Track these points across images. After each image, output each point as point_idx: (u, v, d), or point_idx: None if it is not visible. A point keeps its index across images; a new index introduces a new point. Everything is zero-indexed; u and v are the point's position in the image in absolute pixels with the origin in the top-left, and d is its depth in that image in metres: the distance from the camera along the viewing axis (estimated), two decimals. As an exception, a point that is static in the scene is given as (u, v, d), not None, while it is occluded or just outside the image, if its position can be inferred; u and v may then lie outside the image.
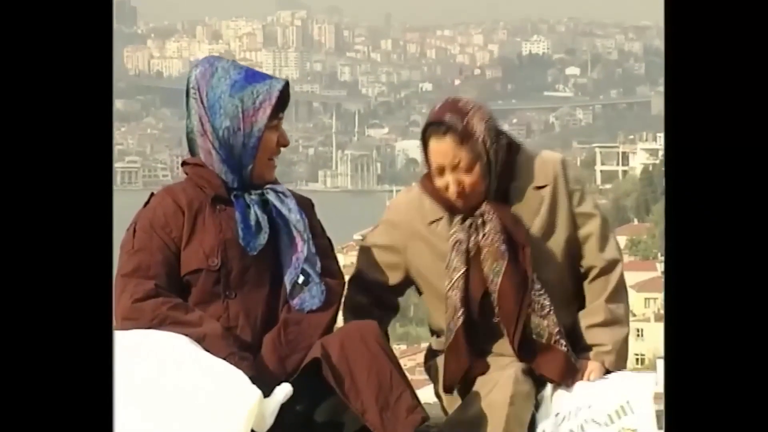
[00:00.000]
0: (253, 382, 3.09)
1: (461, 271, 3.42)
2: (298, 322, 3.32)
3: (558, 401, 3.40)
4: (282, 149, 3.48)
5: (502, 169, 3.43)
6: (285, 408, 3.13)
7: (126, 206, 3.52)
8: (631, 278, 62.88)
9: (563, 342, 3.41)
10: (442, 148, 3.40)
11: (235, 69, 3.39)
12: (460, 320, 3.42)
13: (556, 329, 3.40)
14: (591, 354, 3.45)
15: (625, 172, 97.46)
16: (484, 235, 3.41)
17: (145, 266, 3.31)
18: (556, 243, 3.47)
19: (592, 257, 3.49)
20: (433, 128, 3.42)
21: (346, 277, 3.55)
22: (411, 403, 3.16)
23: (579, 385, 3.41)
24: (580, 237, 3.49)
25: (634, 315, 61.89)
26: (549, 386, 3.42)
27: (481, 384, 3.43)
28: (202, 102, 3.37)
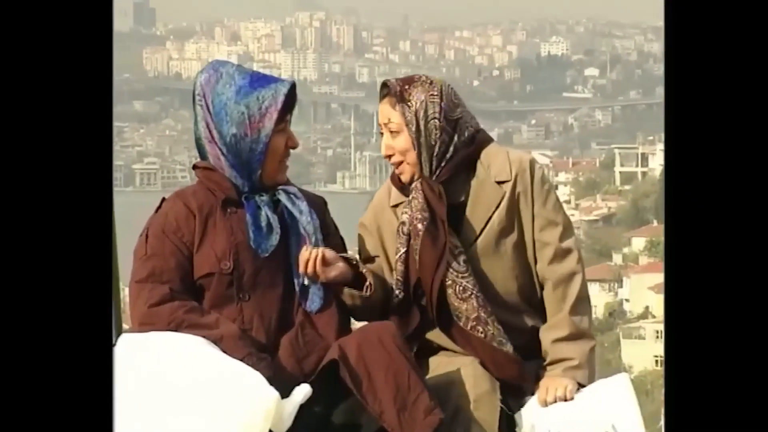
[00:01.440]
0: (271, 383, 3.09)
1: (400, 253, 3.45)
2: (314, 323, 3.32)
3: (532, 419, 3.36)
4: (299, 150, 3.47)
5: (451, 155, 3.44)
6: (303, 409, 3.13)
7: (145, 207, 3.54)
8: (651, 280, 62.81)
9: (480, 329, 3.40)
10: (381, 107, 3.50)
11: (240, 74, 3.38)
12: (395, 301, 3.45)
13: (474, 314, 3.40)
14: (560, 370, 3.40)
15: (644, 173, 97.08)
16: (410, 212, 3.46)
17: (159, 271, 3.31)
18: (511, 241, 3.46)
19: (547, 267, 3.47)
20: (381, 91, 3.52)
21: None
22: (428, 405, 3.15)
23: (558, 406, 3.36)
24: (538, 241, 3.48)
25: (654, 317, 61.67)
26: (528, 402, 3.40)
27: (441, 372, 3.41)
28: (208, 109, 3.36)
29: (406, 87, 3.46)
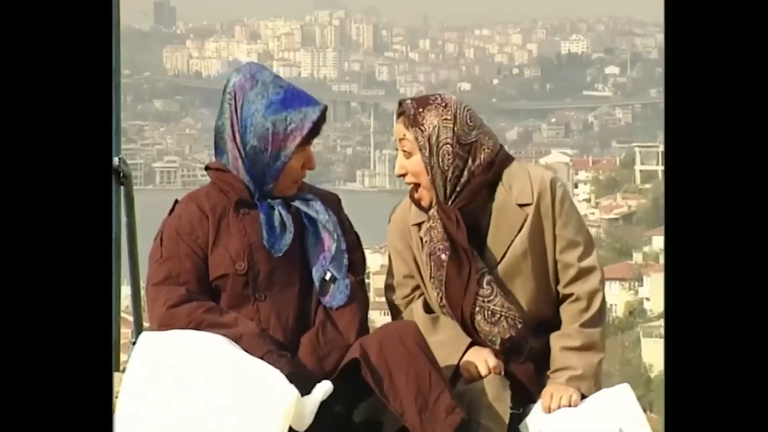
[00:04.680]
0: (291, 380, 3.09)
1: (441, 277, 3.44)
2: (335, 322, 3.32)
3: (540, 426, 3.36)
4: (319, 149, 3.50)
5: (466, 179, 3.42)
6: (324, 408, 3.13)
7: (165, 205, 3.54)
8: (671, 278, 62.53)
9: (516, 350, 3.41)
10: (396, 126, 3.50)
11: (274, 88, 3.36)
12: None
13: (507, 335, 3.40)
14: (564, 379, 3.40)
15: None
16: (431, 242, 3.44)
17: (175, 274, 3.32)
18: (534, 264, 3.45)
19: (570, 286, 3.46)
20: (397, 109, 3.52)
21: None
22: (450, 404, 3.15)
23: (562, 412, 3.36)
24: (560, 262, 3.47)
25: (674, 316, 61.31)
26: (533, 410, 3.40)
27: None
28: (236, 111, 3.36)
29: (420, 110, 3.44)
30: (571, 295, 3.46)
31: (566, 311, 3.47)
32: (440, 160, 3.42)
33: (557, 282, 3.48)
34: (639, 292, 68.08)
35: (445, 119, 3.43)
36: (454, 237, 3.40)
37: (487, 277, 3.40)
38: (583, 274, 3.46)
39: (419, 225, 3.50)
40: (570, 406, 3.37)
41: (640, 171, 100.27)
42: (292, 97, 3.37)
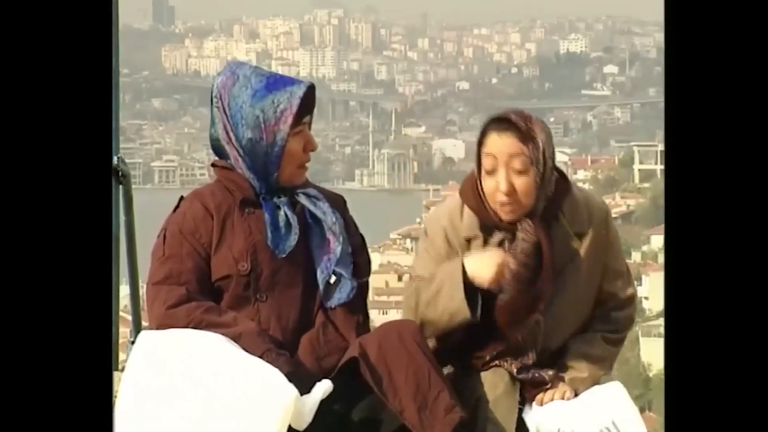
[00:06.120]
0: (290, 379, 3.09)
1: (511, 296, 3.35)
2: (335, 323, 3.32)
3: (536, 420, 3.37)
4: (318, 149, 3.46)
5: (551, 196, 3.35)
6: (323, 407, 3.13)
7: (163, 205, 3.54)
8: (670, 277, 62.50)
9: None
10: (503, 141, 3.29)
11: (256, 77, 3.36)
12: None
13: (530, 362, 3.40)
14: (567, 378, 3.40)
15: (663, 171, 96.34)
16: (512, 251, 3.33)
17: (176, 273, 3.31)
18: (584, 294, 3.44)
19: (608, 314, 3.49)
20: (495, 123, 3.31)
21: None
22: (449, 403, 3.15)
23: (556, 404, 3.37)
24: (605, 292, 3.48)
25: (672, 315, 61.25)
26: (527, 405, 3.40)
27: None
28: (225, 111, 3.35)
29: (529, 124, 3.29)
30: (610, 321, 3.49)
31: (597, 321, 3.50)
32: (548, 180, 3.32)
33: (595, 305, 3.49)
34: (638, 291, 68.01)
35: (548, 134, 3.32)
36: (545, 255, 3.29)
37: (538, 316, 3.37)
38: (624, 305, 3.50)
39: (470, 240, 3.39)
40: (559, 398, 3.39)
41: (639, 170, 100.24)
42: (275, 81, 3.37)
